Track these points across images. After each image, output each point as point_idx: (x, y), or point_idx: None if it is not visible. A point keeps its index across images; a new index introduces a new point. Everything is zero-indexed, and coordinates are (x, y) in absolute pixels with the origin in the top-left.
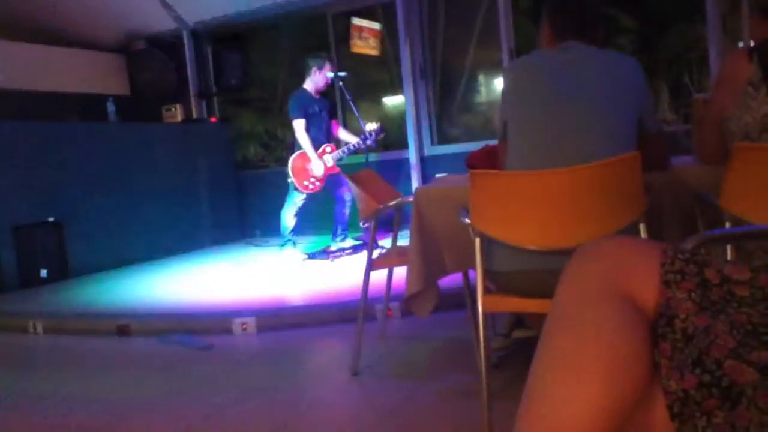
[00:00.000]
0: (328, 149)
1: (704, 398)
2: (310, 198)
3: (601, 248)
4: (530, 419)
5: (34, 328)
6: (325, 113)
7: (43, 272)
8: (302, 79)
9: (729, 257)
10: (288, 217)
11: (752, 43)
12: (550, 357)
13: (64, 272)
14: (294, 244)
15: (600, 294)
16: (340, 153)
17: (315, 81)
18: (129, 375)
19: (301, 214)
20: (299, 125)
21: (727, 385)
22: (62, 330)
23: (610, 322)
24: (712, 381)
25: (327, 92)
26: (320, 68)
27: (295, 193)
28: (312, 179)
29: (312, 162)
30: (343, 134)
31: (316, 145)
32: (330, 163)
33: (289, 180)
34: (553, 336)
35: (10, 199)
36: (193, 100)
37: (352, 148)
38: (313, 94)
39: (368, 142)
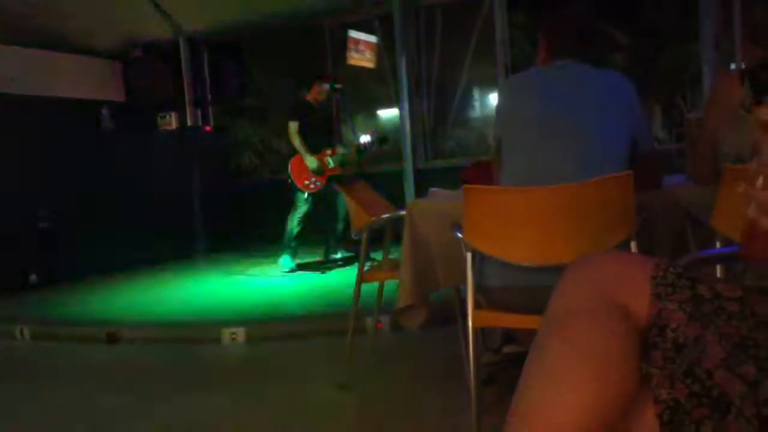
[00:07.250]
0: (329, 152)
1: (694, 407)
2: (313, 206)
3: (595, 260)
4: (520, 423)
5: (22, 334)
6: (324, 121)
7: (33, 277)
8: (298, 89)
9: (719, 277)
10: (294, 223)
11: (743, 66)
12: (542, 363)
13: (53, 278)
14: (295, 251)
15: (592, 304)
16: (340, 155)
17: (313, 94)
18: (115, 382)
19: (305, 222)
20: (292, 126)
21: (717, 395)
22: (50, 336)
23: (601, 330)
24: (702, 391)
25: (326, 104)
26: (311, 86)
27: (299, 194)
28: (313, 178)
29: (306, 159)
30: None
31: (317, 150)
32: (331, 164)
33: (289, 180)
34: (546, 343)
35: (1, 203)
36: (188, 108)
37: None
38: (313, 103)
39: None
